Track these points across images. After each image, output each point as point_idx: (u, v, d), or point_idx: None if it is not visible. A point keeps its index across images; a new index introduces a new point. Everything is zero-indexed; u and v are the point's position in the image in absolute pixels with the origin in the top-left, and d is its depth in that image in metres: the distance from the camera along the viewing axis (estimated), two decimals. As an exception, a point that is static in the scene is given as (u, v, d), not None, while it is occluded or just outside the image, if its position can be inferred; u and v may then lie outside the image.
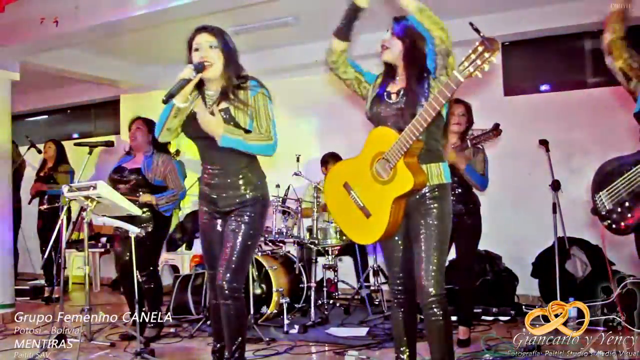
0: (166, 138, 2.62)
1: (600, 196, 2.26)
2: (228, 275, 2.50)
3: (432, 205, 2.29)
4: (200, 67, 2.43)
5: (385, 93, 2.39)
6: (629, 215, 2.17)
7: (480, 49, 1.95)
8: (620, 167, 2.22)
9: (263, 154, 2.57)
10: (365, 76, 2.51)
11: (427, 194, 2.31)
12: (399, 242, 2.40)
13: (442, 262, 2.27)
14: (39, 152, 6.10)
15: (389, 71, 2.44)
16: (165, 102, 2.40)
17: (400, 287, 2.42)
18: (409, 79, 2.33)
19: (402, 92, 2.34)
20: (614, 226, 2.23)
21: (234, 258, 2.52)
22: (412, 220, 2.34)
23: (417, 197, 2.31)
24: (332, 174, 2.58)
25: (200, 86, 2.57)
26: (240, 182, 2.59)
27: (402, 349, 2.45)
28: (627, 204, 2.17)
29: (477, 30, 1.97)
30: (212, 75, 2.50)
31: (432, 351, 2.30)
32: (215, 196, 2.62)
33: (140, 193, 3.80)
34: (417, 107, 2.24)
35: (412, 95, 2.29)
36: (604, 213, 2.24)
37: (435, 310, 2.23)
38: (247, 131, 2.50)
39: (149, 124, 3.95)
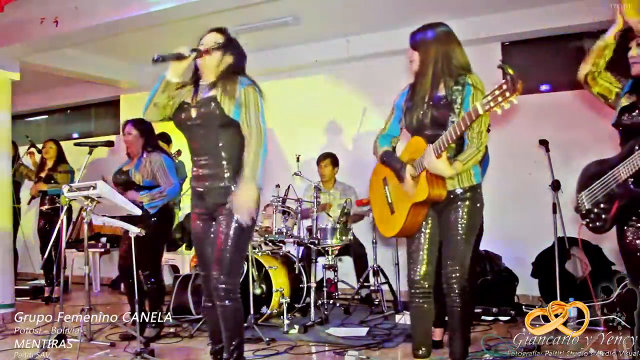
0: (153, 115, 2.62)
1: (581, 196, 2.41)
2: (222, 276, 2.49)
3: (462, 204, 2.47)
4: (197, 50, 2.50)
5: (413, 104, 2.55)
6: (604, 215, 2.31)
7: (504, 87, 2.06)
8: (600, 169, 2.35)
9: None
10: (397, 113, 2.68)
11: (459, 195, 2.47)
12: (426, 238, 2.53)
13: (466, 255, 2.46)
14: (39, 152, 6.09)
15: (415, 82, 2.58)
16: (155, 60, 2.39)
17: (420, 283, 2.52)
18: (428, 86, 2.47)
19: (426, 100, 2.49)
20: (591, 225, 2.38)
21: (226, 258, 2.50)
22: (443, 217, 2.51)
23: (450, 197, 2.46)
24: (378, 166, 2.76)
25: (197, 79, 2.64)
26: (226, 173, 2.56)
27: (419, 342, 2.56)
28: (602, 205, 2.31)
29: (503, 69, 2.09)
30: (208, 64, 2.56)
31: (449, 337, 2.55)
32: (202, 189, 2.61)
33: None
34: (441, 111, 2.42)
35: (433, 102, 2.45)
36: (583, 212, 2.40)
37: (454, 299, 2.46)
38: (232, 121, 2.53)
39: (140, 127, 3.94)
